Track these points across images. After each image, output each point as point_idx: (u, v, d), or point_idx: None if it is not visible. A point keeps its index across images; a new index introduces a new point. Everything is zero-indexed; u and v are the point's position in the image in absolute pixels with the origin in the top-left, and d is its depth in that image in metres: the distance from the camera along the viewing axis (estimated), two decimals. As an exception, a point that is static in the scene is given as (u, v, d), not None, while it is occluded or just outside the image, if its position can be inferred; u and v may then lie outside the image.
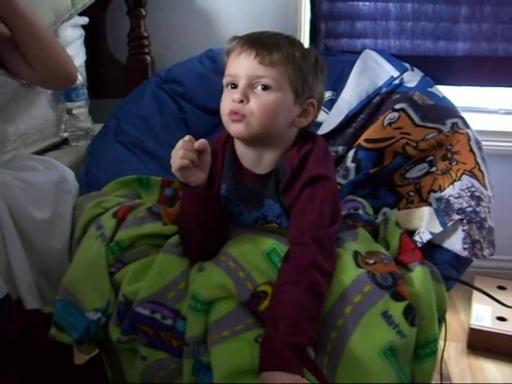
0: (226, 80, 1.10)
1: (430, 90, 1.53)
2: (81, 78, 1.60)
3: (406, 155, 1.40)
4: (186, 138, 1.04)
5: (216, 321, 1.00)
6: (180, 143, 1.03)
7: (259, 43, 1.06)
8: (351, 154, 1.49)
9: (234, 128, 1.07)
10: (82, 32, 1.78)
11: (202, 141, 1.04)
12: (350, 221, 1.22)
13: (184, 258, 1.09)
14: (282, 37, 1.10)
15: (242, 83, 1.06)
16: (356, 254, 1.06)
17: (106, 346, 1.17)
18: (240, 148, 1.14)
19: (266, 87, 1.05)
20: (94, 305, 1.09)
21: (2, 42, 1.31)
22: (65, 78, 1.39)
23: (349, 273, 1.01)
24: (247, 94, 1.05)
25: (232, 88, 1.08)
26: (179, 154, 1.02)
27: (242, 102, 1.05)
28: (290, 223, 1.09)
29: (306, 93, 1.10)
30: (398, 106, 1.49)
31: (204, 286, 1.02)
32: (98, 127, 1.60)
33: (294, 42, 1.11)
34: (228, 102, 1.07)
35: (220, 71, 1.16)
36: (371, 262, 1.05)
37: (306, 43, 1.88)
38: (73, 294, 1.10)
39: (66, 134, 1.61)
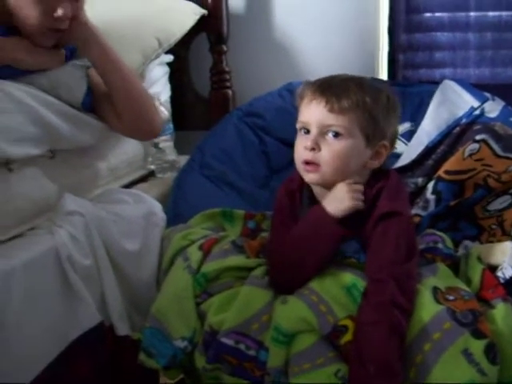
0: (298, 125, 1.13)
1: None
2: (167, 113, 1.68)
3: (488, 187, 1.39)
4: None
5: (297, 353, 1.03)
6: None
7: (329, 90, 1.08)
8: (431, 185, 1.48)
9: (309, 177, 1.11)
10: (167, 69, 1.87)
11: None
12: (428, 254, 1.22)
13: (268, 289, 1.12)
14: (351, 81, 1.10)
15: (313, 131, 1.09)
16: (435, 289, 1.06)
17: (191, 372, 1.21)
18: (316, 188, 1.17)
19: (336, 135, 1.08)
20: (181, 333, 1.14)
21: (97, 91, 1.38)
22: (148, 132, 1.45)
23: (428, 309, 1.01)
24: (318, 142, 1.08)
25: (305, 133, 1.11)
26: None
27: (313, 149, 1.08)
28: (367, 259, 1.10)
29: (378, 136, 1.11)
30: (478, 137, 1.47)
31: (287, 319, 1.04)
32: (182, 159, 1.67)
33: (364, 86, 1.10)
34: (301, 148, 1.11)
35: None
36: (451, 298, 1.05)
37: (385, 74, 1.89)
38: (161, 322, 1.16)
39: (152, 167, 1.69)
